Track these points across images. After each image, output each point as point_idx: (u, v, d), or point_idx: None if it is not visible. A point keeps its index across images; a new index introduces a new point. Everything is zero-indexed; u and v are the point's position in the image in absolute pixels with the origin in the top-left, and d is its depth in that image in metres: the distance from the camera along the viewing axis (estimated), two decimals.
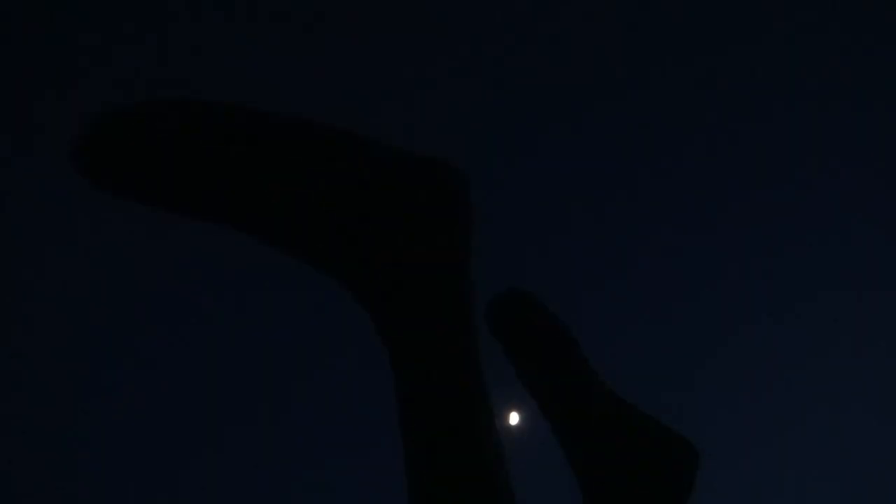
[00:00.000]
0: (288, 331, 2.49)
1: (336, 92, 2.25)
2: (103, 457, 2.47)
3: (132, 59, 2.13)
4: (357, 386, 2.42)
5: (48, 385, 2.38)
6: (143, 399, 2.45)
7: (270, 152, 0.52)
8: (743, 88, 2.50)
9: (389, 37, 2.29)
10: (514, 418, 2.35)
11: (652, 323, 2.67)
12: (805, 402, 2.68)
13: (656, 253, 2.62)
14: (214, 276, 2.33)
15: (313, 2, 2.21)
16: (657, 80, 2.48)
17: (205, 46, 2.18)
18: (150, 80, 2.01)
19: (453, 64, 2.37)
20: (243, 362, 2.50)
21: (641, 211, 2.58)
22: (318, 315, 2.32)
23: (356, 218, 0.53)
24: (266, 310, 2.43)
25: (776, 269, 2.59)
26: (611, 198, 2.58)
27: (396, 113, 2.29)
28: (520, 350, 0.66)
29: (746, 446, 2.66)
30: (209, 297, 2.40)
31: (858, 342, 2.65)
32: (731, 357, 2.64)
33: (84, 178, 0.49)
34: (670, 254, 2.61)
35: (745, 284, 2.61)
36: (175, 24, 2.17)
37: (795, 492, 2.72)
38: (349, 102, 2.21)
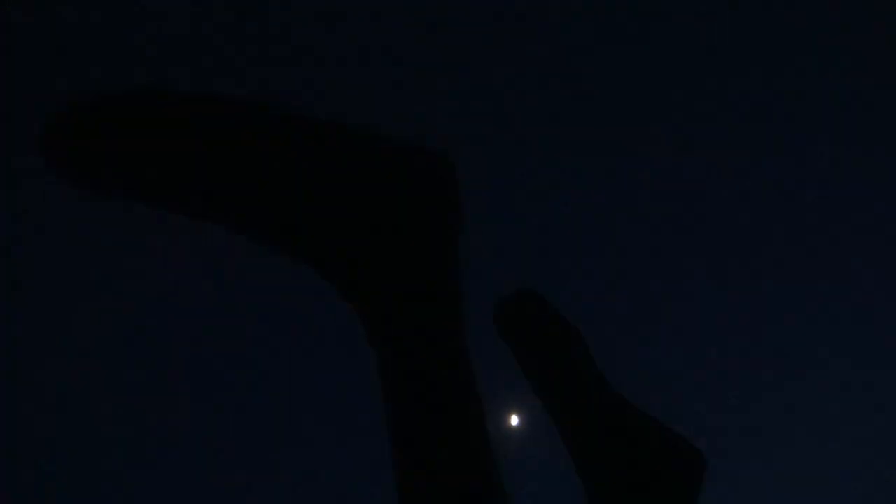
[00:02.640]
0: (276, 325, 2.48)
1: (321, 83, 2.25)
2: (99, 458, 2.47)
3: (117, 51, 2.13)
4: (343, 384, 2.42)
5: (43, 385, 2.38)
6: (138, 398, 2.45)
7: (252, 145, 0.51)
8: (748, 89, 2.50)
9: (381, 34, 2.29)
10: (514, 420, 2.34)
11: (660, 325, 2.66)
12: (819, 409, 2.67)
13: (663, 252, 2.61)
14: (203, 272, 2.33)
15: None
16: (661, 77, 2.47)
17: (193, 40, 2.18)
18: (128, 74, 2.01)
19: (451, 59, 2.36)
20: (230, 359, 2.49)
21: (646, 210, 2.58)
22: (305, 311, 2.31)
23: (340, 211, 0.52)
24: (253, 306, 2.43)
25: (784, 267, 2.58)
26: (615, 197, 2.57)
27: (389, 107, 2.29)
28: (529, 352, 0.65)
29: (754, 454, 2.65)
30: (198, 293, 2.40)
31: (865, 344, 2.64)
32: (741, 361, 2.63)
33: (55, 170, 0.48)
34: (677, 253, 2.60)
35: (751, 284, 2.61)
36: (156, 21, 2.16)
37: (803, 501, 2.71)
38: (337, 95, 2.21)
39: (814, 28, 2.44)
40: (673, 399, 2.51)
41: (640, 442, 0.65)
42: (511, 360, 0.67)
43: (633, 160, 2.50)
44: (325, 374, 2.50)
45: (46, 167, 0.48)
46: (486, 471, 0.51)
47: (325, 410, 2.54)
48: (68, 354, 2.37)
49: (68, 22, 2.14)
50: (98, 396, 2.41)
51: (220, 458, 2.53)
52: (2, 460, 2.42)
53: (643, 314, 2.67)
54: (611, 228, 2.63)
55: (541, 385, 0.66)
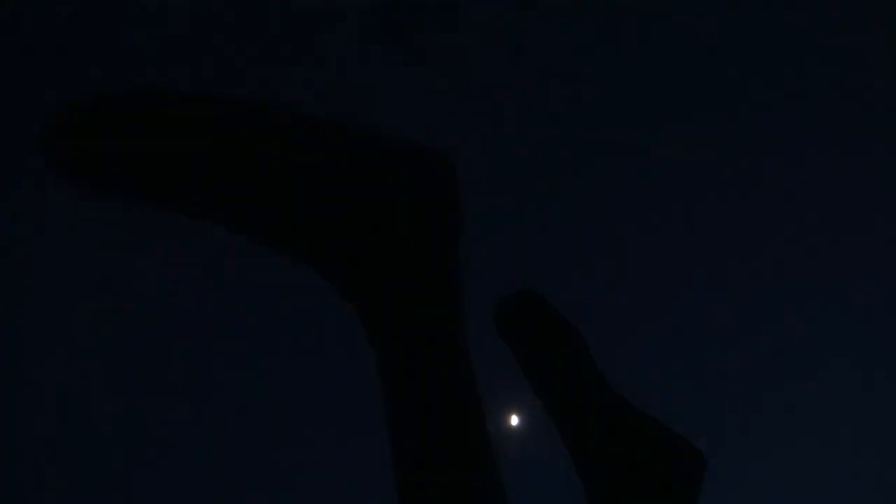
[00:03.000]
0: (276, 325, 2.48)
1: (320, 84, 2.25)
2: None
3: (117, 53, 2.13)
4: (343, 384, 2.42)
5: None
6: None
7: (252, 145, 0.51)
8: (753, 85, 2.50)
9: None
10: (514, 420, 2.34)
11: (660, 325, 2.66)
12: (819, 409, 2.66)
13: (663, 252, 2.61)
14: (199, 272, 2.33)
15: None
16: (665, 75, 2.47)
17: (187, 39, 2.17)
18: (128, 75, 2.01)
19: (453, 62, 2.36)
20: (230, 359, 2.49)
21: (646, 210, 2.58)
22: (306, 311, 2.31)
23: (340, 211, 0.52)
24: (253, 306, 2.43)
25: (784, 266, 2.58)
26: (616, 197, 2.57)
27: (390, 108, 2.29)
28: (529, 352, 0.65)
29: (754, 454, 2.65)
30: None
31: (865, 344, 2.64)
32: (741, 360, 2.63)
33: (55, 170, 0.48)
34: (677, 253, 2.60)
35: (751, 284, 2.61)
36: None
37: (803, 501, 2.71)
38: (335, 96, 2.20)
39: (814, 28, 2.44)
40: (673, 399, 2.51)
41: (640, 442, 0.65)
42: (511, 360, 0.67)
43: (633, 160, 2.50)
44: (326, 374, 2.50)
45: (46, 167, 0.48)
46: (486, 471, 0.51)
47: (326, 410, 2.54)
48: (68, 354, 2.37)
49: (68, 22, 2.14)
50: (98, 396, 2.41)
51: (219, 458, 2.53)
52: (2, 460, 2.42)
53: (643, 314, 2.67)
54: (611, 228, 2.63)
55: (541, 385, 0.66)
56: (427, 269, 0.54)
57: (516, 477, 0.62)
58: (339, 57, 2.29)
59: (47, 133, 0.48)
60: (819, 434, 2.67)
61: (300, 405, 2.55)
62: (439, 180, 0.56)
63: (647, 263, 2.62)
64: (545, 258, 2.61)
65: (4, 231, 2.26)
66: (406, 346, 0.51)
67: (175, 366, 2.45)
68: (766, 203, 2.57)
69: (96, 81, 2.20)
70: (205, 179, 0.51)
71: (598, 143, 2.49)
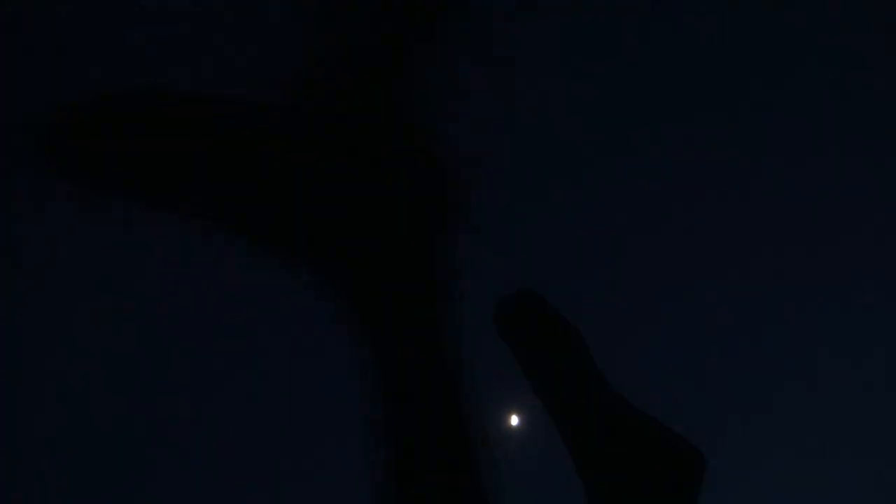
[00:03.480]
0: (273, 325, 2.47)
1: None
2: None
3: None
4: (341, 384, 2.41)
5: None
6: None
7: (252, 145, 0.51)
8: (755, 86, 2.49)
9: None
10: (514, 420, 2.35)
11: (660, 325, 2.65)
12: (819, 409, 2.65)
13: (663, 252, 2.61)
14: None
15: None
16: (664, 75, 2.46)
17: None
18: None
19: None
20: (228, 359, 2.49)
21: (647, 210, 2.57)
22: (305, 311, 2.31)
23: (339, 211, 0.53)
24: (252, 306, 2.42)
25: (785, 266, 2.57)
26: (616, 197, 2.57)
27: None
28: (529, 352, 0.65)
29: (754, 455, 2.64)
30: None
31: (866, 344, 2.63)
32: (742, 361, 2.62)
33: (55, 170, 0.48)
34: (678, 252, 2.60)
35: (752, 284, 2.60)
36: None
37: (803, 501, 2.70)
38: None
39: (814, 28, 2.44)
40: (673, 399, 2.51)
41: (640, 442, 0.65)
42: (511, 360, 0.67)
43: (633, 160, 2.50)
44: (325, 374, 2.50)
45: (46, 167, 0.48)
46: (468, 469, 0.51)
47: (325, 410, 2.54)
48: (68, 354, 2.37)
49: (68, 22, 2.14)
50: (99, 396, 2.41)
51: (217, 458, 2.53)
52: (2, 460, 2.41)
53: (643, 314, 2.66)
54: (611, 228, 2.62)
55: (541, 385, 0.66)
56: (425, 269, 0.54)
57: (516, 477, 0.62)
58: (339, 56, 2.29)
59: (47, 133, 0.48)
60: (820, 434, 2.67)
61: (299, 405, 2.55)
62: (437, 181, 0.56)
63: (647, 263, 2.62)
64: (545, 258, 2.61)
65: (4, 231, 2.26)
66: (404, 346, 0.52)
67: (175, 366, 2.45)
68: (767, 203, 2.57)
69: (96, 81, 2.19)
70: (205, 179, 0.51)
71: (598, 143, 2.49)
